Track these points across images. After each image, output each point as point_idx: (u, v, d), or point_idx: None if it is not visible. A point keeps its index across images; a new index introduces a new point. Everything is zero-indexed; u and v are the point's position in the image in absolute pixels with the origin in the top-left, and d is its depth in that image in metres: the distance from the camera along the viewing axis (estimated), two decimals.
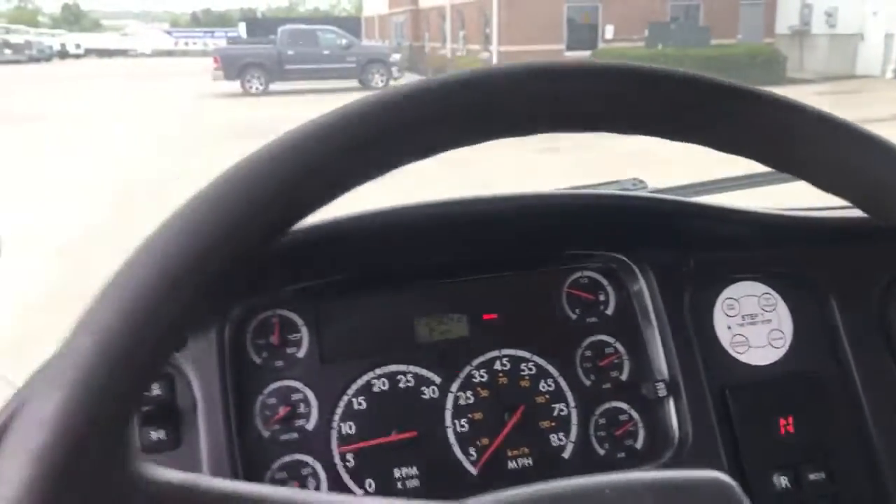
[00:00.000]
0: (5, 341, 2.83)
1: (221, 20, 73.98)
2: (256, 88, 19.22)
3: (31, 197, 5.98)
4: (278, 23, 24.56)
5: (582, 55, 18.16)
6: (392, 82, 20.02)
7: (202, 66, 31.83)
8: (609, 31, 19.82)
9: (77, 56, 40.01)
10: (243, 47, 20.09)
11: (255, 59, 19.37)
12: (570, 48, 19.41)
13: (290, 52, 19.53)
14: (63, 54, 38.76)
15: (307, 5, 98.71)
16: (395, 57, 20.53)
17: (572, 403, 0.80)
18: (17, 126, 10.59)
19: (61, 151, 8.61)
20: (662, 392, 0.78)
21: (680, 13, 20.02)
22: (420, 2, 28.09)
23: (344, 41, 20.65)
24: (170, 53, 44.56)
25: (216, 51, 20.27)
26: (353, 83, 20.06)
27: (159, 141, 9.19)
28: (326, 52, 19.92)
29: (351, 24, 29.17)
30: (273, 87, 19.38)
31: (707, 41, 18.28)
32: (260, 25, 22.05)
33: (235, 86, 19.20)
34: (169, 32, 48.97)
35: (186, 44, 45.21)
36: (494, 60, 20.10)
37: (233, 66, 19.03)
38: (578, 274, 0.84)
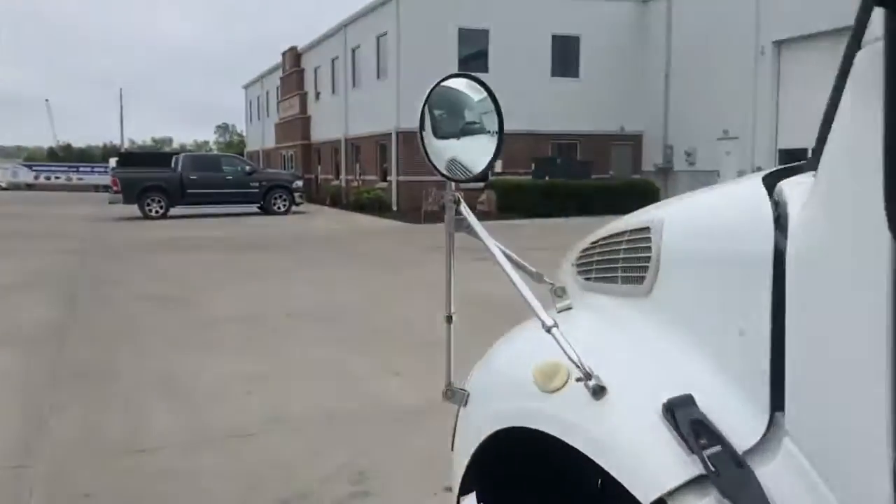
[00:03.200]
0: None
1: (82, 156, 71.91)
2: (156, 212, 18.88)
3: None
4: (149, 158, 24.10)
5: (476, 186, 19.44)
6: (294, 208, 20.34)
7: (78, 196, 30.90)
8: (498, 166, 21.43)
9: None
10: (145, 170, 19.64)
11: (156, 183, 19.05)
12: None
13: (193, 177, 19.37)
14: None
15: (173, 144, 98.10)
16: (298, 183, 20.84)
17: None
18: None
19: None
20: None
21: (556, 151, 22.06)
22: (312, 136, 29.07)
23: (247, 167, 20.81)
24: (29, 187, 42.87)
25: (115, 172, 19.71)
26: (254, 209, 20.20)
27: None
28: (230, 177, 19.93)
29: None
30: (173, 210, 19.18)
31: (589, 175, 20.16)
32: (133, 160, 21.45)
33: (132, 209, 18.84)
34: (28, 166, 47.24)
35: (48, 178, 43.76)
36: (394, 190, 21.02)
37: (132, 190, 18.72)
38: None
